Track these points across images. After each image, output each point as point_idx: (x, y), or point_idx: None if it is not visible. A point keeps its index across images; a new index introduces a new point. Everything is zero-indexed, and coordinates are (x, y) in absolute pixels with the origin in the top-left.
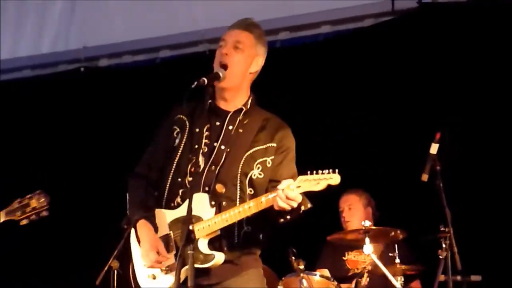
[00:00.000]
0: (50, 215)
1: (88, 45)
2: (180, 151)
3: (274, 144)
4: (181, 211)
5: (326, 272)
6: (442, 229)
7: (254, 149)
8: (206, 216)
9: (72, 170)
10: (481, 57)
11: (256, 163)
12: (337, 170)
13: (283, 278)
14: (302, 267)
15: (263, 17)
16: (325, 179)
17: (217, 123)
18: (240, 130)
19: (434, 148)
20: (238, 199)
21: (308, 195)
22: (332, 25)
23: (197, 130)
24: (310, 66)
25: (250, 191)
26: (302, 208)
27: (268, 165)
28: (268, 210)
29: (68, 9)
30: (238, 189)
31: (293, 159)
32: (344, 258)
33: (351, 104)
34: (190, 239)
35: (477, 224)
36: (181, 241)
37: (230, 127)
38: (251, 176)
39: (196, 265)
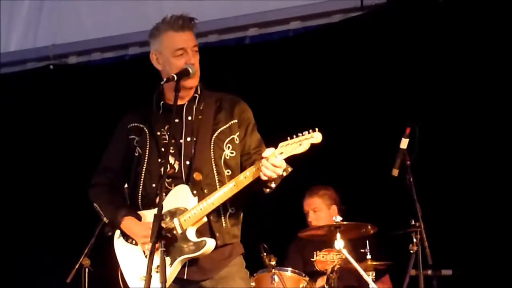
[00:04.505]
0: (20, 218)
1: (57, 43)
2: (146, 158)
3: (235, 120)
4: (163, 207)
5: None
6: (413, 223)
7: (219, 130)
8: (190, 205)
9: (41, 168)
10: (449, 51)
11: (225, 143)
12: (317, 129)
13: (254, 275)
14: (273, 263)
15: (232, 14)
16: (306, 139)
17: (176, 120)
18: (200, 117)
19: (404, 143)
20: (217, 183)
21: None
22: (302, 21)
23: (158, 133)
24: (280, 62)
25: (228, 172)
26: (284, 173)
27: (236, 142)
28: (252, 183)
29: (36, 6)
30: (216, 173)
31: (255, 127)
32: (313, 260)
33: (321, 99)
34: (161, 235)
35: (448, 219)
36: (151, 238)
37: (189, 118)
38: (224, 157)
39: (188, 255)
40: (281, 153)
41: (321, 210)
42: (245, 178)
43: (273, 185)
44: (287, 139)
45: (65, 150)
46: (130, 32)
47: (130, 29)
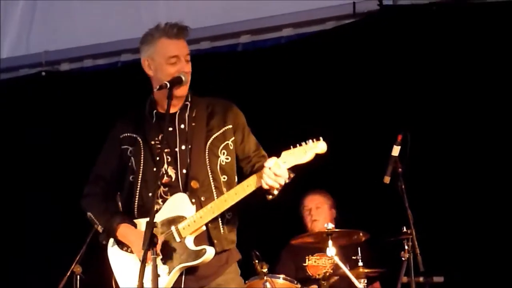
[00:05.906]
0: (12, 219)
1: (49, 49)
2: (141, 168)
3: (230, 126)
4: (161, 215)
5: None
6: (404, 231)
7: (213, 137)
8: (189, 214)
9: (34, 176)
10: (441, 58)
11: (220, 149)
12: (321, 138)
13: (246, 282)
14: (265, 270)
15: (225, 21)
16: (311, 148)
17: (170, 129)
18: (193, 124)
19: (396, 150)
20: (214, 190)
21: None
22: (294, 28)
23: (152, 142)
24: (272, 69)
25: (224, 178)
26: (286, 180)
27: (231, 148)
28: (255, 190)
29: (28, 13)
30: (212, 180)
31: (250, 131)
32: (305, 264)
33: (313, 106)
34: (152, 243)
35: (439, 226)
36: (143, 245)
37: (182, 126)
38: (220, 163)
39: (187, 264)
40: (285, 162)
41: (324, 209)
42: (247, 186)
43: (275, 192)
44: (289, 148)
45: (59, 156)
46: (123, 39)
47: (122, 36)
